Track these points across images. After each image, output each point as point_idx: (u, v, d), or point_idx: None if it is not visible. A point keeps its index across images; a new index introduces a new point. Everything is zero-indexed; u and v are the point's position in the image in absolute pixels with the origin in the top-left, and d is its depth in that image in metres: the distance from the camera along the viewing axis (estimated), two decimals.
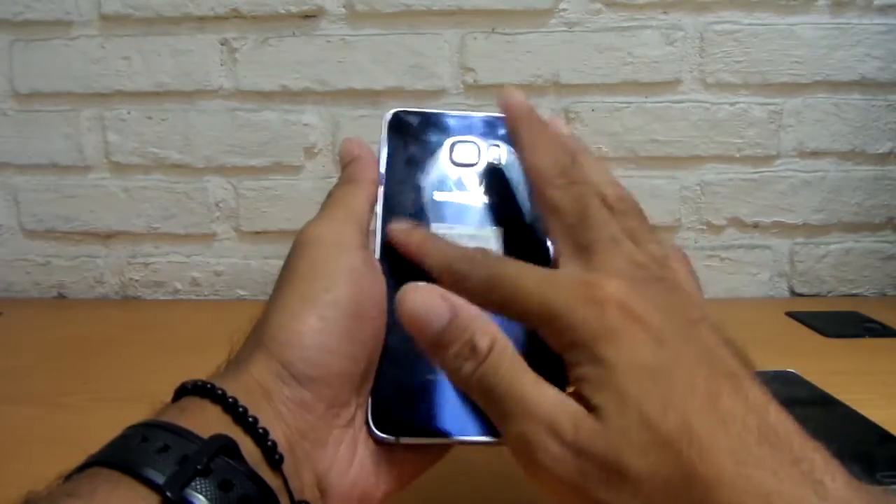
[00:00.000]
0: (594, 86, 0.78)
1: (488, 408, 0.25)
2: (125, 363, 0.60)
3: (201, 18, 0.78)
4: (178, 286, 0.84)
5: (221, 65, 0.79)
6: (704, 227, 0.81)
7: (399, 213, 0.33)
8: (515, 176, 0.35)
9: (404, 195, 0.34)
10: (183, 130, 0.80)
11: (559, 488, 0.23)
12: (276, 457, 0.24)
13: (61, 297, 0.84)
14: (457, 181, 0.35)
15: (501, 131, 0.36)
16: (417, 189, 0.34)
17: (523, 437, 0.23)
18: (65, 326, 0.74)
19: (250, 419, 0.24)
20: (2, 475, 0.40)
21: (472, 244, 0.31)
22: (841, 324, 0.69)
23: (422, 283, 0.26)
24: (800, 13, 0.77)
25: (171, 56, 0.78)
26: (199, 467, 0.21)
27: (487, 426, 0.30)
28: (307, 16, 0.77)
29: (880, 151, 0.79)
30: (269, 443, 0.24)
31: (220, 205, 0.82)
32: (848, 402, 0.48)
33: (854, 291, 0.83)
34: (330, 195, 0.32)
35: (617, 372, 0.22)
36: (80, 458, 0.23)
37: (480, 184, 0.35)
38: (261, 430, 0.24)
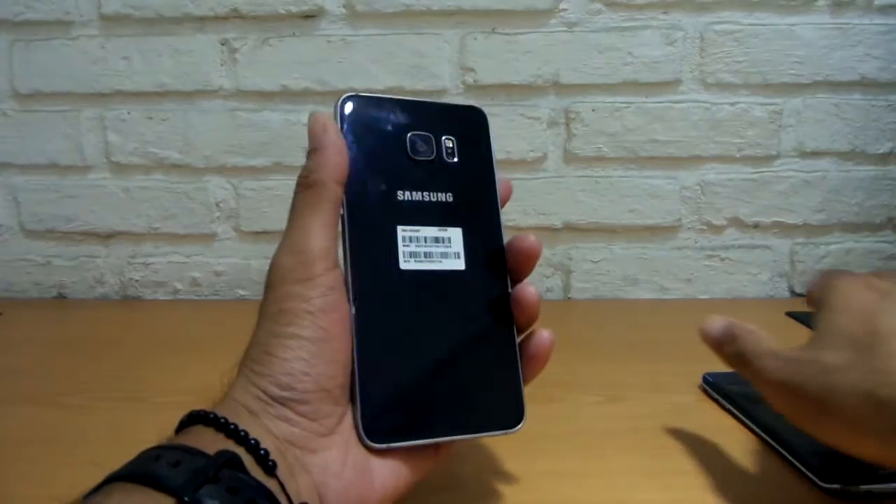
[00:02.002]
0: (594, 86, 0.78)
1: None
2: (125, 363, 0.60)
3: (201, 18, 0.78)
4: (178, 286, 0.84)
5: (221, 65, 0.79)
6: (704, 227, 0.81)
7: (364, 214, 0.32)
8: (468, 169, 0.35)
9: (367, 194, 0.33)
10: (183, 130, 0.80)
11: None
12: (270, 463, 0.26)
13: (61, 297, 0.84)
14: (416, 177, 0.34)
15: (455, 122, 0.36)
16: (378, 187, 0.33)
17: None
18: (65, 326, 0.74)
19: (241, 433, 0.26)
20: (2, 475, 0.40)
21: (437, 247, 0.33)
22: None
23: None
24: (800, 13, 0.77)
25: (171, 56, 0.79)
26: (209, 475, 0.23)
27: (470, 423, 0.31)
28: (307, 16, 0.77)
29: (880, 151, 0.79)
30: (262, 451, 0.26)
31: (221, 205, 0.82)
32: None
33: None
34: (293, 206, 0.31)
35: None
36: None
37: (439, 179, 0.34)
38: (252, 441, 0.26)
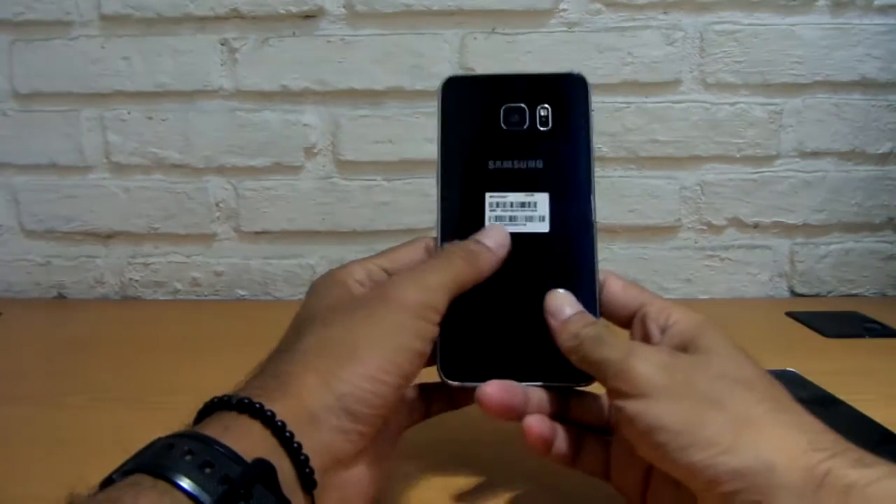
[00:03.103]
0: (594, 86, 0.77)
1: None
2: (125, 363, 0.60)
3: (201, 18, 0.78)
4: (178, 286, 0.84)
5: (221, 65, 0.79)
6: (704, 227, 0.81)
7: (456, 183, 0.36)
8: (562, 137, 0.37)
9: (460, 164, 0.36)
10: (183, 130, 0.80)
11: None
12: (312, 482, 0.26)
13: (61, 297, 0.84)
14: (508, 147, 0.37)
15: (549, 90, 0.38)
16: (471, 158, 0.36)
17: None
18: (65, 326, 0.74)
19: (296, 445, 0.25)
20: (2, 475, 0.40)
21: (523, 211, 0.35)
22: (841, 324, 0.69)
23: None
24: (800, 13, 0.77)
25: (171, 56, 0.78)
26: (242, 491, 0.22)
27: (543, 372, 0.34)
28: (307, 16, 0.77)
29: (880, 151, 0.79)
30: (308, 469, 0.25)
31: (220, 205, 0.82)
32: (848, 402, 0.48)
33: (854, 291, 0.83)
34: (444, 255, 0.34)
35: None
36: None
37: (530, 147, 0.37)
38: (303, 457, 0.25)
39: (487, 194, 0.36)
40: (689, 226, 0.81)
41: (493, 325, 0.34)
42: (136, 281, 0.84)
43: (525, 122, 0.37)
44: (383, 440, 0.31)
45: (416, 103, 0.78)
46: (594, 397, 0.35)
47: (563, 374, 0.33)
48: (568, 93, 0.38)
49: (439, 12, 0.76)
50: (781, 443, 0.24)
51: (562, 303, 0.34)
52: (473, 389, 0.32)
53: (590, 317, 0.33)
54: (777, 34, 0.77)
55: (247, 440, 0.24)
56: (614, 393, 0.28)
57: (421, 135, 0.78)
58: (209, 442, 0.23)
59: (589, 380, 0.33)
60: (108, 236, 0.83)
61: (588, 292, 0.35)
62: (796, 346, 0.64)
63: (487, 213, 0.36)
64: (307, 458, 0.25)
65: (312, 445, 0.26)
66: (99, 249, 0.83)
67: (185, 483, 0.22)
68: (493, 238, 0.35)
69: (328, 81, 0.78)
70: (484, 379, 0.32)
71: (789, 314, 0.73)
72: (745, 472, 0.23)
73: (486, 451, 0.41)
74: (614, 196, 0.80)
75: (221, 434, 0.24)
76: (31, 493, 0.37)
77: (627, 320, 0.35)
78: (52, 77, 0.79)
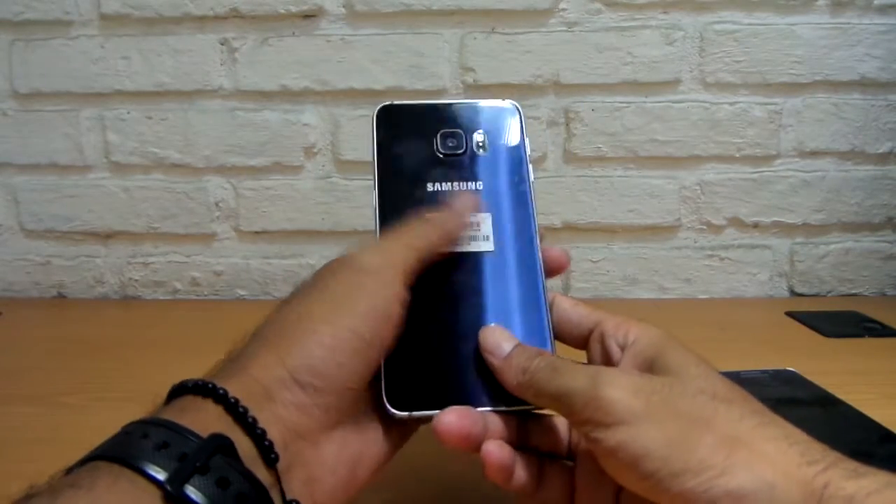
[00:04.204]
0: (594, 86, 0.78)
1: None
2: (125, 363, 0.60)
3: (201, 18, 0.78)
4: (178, 286, 0.84)
5: (221, 65, 0.79)
6: (704, 227, 0.81)
7: (395, 206, 0.35)
8: (499, 160, 0.38)
9: (399, 188, 0.36)
10: (183, 130, 0.80)
11: None
12: (272, 455, 0.25)
13: (61, 296, 0.84)
14: (446, 170, 0.37)
15: (484, 117, 0.38)
16: (410, 182, 0.36)
17: None
18: (65, 326, 0.74)
19: (250, 419, 0.25)
20: (2, 475, 0.40)
21: (466, 231, 0.35)
22: (840, 323, 0.69)
23: None
24: (800, 13, 0.77)
25: (171, 56, 0.78)
26: (198, 464, 0.22)
27: (494, 397, 0.32)
28: (307, 16, 0.77)
29: (880, 151, 0.79)
30: (266, 442, 0.25)
31: (220, 205, 0.82)
32: (848, 402, 0.48)
33: (854, 291, 0.83)
34: (404, 223, 0.33)
35: None
36: (80, 457, 0.24)
37: (469, 170, 0.37)
38: (259, 431, 0.25)
39: (428, 216, 0.35)
40: (689, 225, 0.81)
41: (441, 349, 0.33)
42: (136, 281, 0.84)
43: (462, 147, 0.37)
44: (357, 417, 0.30)
45: None
46: (552, 422, 0.33)
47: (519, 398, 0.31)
48: (502, 120, 0.39)
49: (439, 12, 0.76)
50: (775, 459, 0.23)
51: (498, 338, 0.31)
52: (421, 420, 0.30)
53: (533, 348, 0.31)
54: (777, 34, 0.77)
55: (202, 419, 0.24)
56: (586, 424, 0.26)
57: None
58: (164, 424, 0.24)
59: None
60: (108, 236, 0.83)
61: (538, 309, 0.34)
62: (796, 345, 0.64)
63: None
64: (264, 432, 0.25)
65: (268, 419, 0.25)
66: (98, 249, 0.83)
67: (141, 463, 0.22)
68: (457, 203, 0.35)
69: (328, 81, 0.78)
70: (433, 407, 0.30)
71: (789, 314, 0.73)
72: (745, 493, 0.22)
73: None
74: (614, 196, 0.80)
75: (177, 416, 0.24)
76: None
77: (582, 340, 0.33)
78: (52, 77, 0.79)
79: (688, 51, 0.77)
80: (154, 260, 0.83)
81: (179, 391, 0.27)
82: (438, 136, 0.37)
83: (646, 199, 0.80)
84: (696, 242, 0.82)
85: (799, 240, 0.82)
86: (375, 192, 0.36)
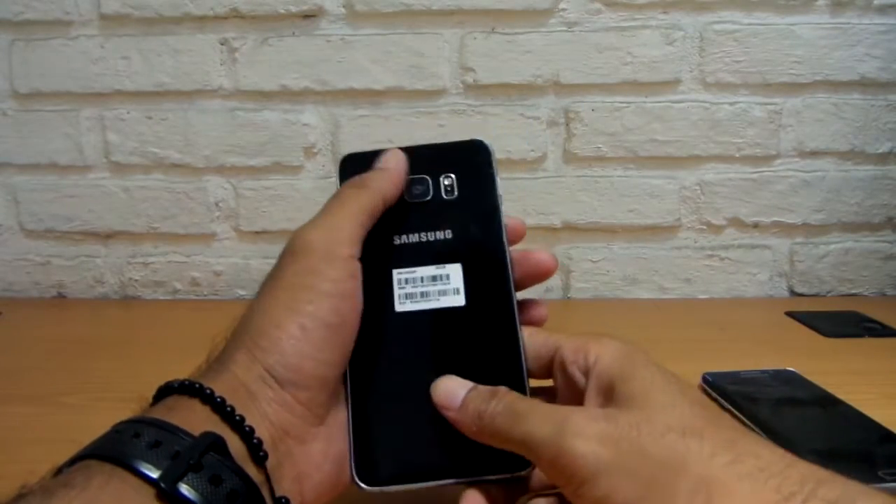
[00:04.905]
0: (594, 86, 0.78)
1: None
2: (125, 363, 0.60)
3: (201, 18, 0.78)
4: (178, 286, 0.84)
5: (221, 65, 0.79)
6: (704, 227, 0.81)
7: (363, 263, 0.32)
8: (468, 204, 0.35)
9: (366, 243, 0.32)
10: (183, 130, 0.80)
11: None
12: (261, 453, 0.25)
13: (61, 296, 0.84)
14: (413, 220, 0.34)
15: (451, 158, 0.36)
16: (375, 235, 0.33)
17: None
18: (65, 326, 0.74)
19: (237, 418, 0.25)
20: (2, 475, 0.40)
21: (435, 285, 0.33)
22: (840, 323, 0.69)
23: None
24: (800, 13, 0.77)
25: (171, 56, 0.78)
26: (191, 462, 0.22)
27: (472, 466, 0.29)
28: (307, 16, 0.77)
29: (880, 151, 0.79)
30: (255, 440, 0.25)
31: (220, 205, 0.82)
32: (847, 402, 0.48)
33: (853, 291, 0.83)
34: (336, 195, 0.32)
35: None
36: (70, 457, 0.24)
37: (436, 218, 0.34)
38: (247, 428, 0.25)
39: (395, 271, 0.33)
40: (689, 225, 0.81)
41: (414, 417, 0.30)
42: (136, 281, 0.84)
43: (429, 193, 0.35)
44: (339, 413, 0.30)
45: (416, 103, 0.78)
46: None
47: (501, 462, 0.29)
48: (471, 159, 0.36)
49: (439, 12, 0.76)
50: (752, 501, 0.22)
51: (450, 388, 0.29)
52: (396, 493, 0.29)
53: (487, 389, 0.29)
54: (776, 34, 0.77)
55: (191, 419, 0.24)
56: (558, 479, 0.25)
57: (421, 135, 0.78)
58: (156, 423, 0.24)
59: (529, 465, 0.29)
60: (108, 236, 0.83)
61: (515, 364, 0.31)
62: (796, 345, 0.64)
63: (396, 292, 0.33)
64: (252, 430, 0.25)
65: (255, 418, 0.26)
66: (98, 249, 0.83)
67: (134, 461, 0.22)
68: (384, 159, 0.34)
69: (328, 81, 0.78)
70: (407, 481, 0.29)
71: (789, 314, 0.73)
72: None
73: None
74: (614, 196, 0.80)
75: (166, 415, 0.25)
76: None
77: (545, 370, 0.32)
78: (52, 77, 0.79)
79: (688, 51, 0.77)
80: (154, 260, 0.83)
81: (166, 391, 0.27)
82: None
83: (646, 199, 0.80)
84: (696, 242, 0.82)
85: (799, 240, 0.82)
86: None
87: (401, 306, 0.33)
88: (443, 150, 0.36)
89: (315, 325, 0.28)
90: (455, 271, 0.33)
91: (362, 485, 0.29)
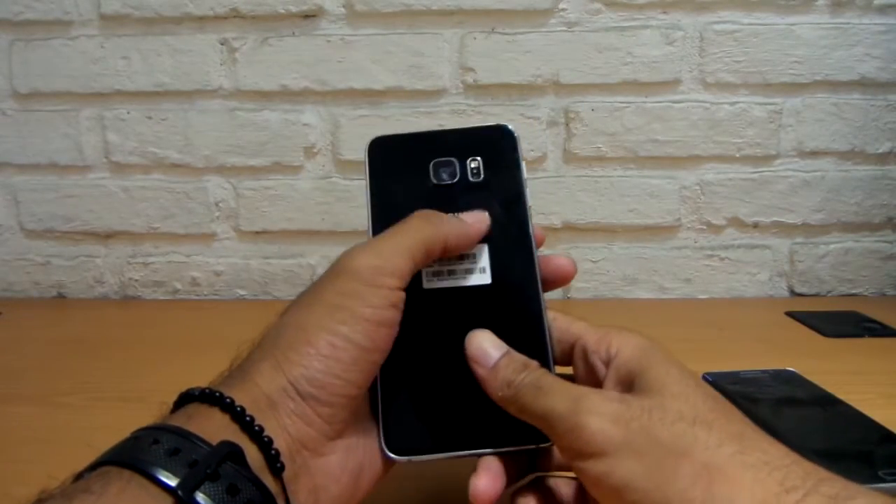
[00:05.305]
0: (594, 86, 0.78)
1: None
2: (125, 363, 0.60)
3: (201, 18, 0.78)
4: (178, 286, 0.84)
5: (221, 65, 0.79)
6: (704, 227, 0.81)
7: None
8: (494, 187, 0.36)
9: (392, 224, 0.33)
10: (183, 130, 0.80)
11: None
12: (279, 465, 0.25)
13: (61, 296, 0.84)
14: (440, 201, 0.35)
15: (478, 143, 0.37)
16: (403, 216, 0.33)
17: None
18: (65, 326, 0.74)
19: (257, 428, 0.25)
20: (2, 475, 0.40)
21: (462, 264, 0.33)
22: (840, 323, 0.69)
23: None
24: (800, 13, 0.77)
25: (171, 56, 0.78)
26: (208, 471, 0.22)
27: (496, 437, 0.31)
28: (307, 16, 0.77)
29: (880, 151, 0.79)
30: (273, 451, 0.25)
31: (220, 205, 0.82)
32: (848, 402, 0.48)
33: (853, 291, 0.83)
34: (404, 222, 0.32)
35: None
36: (79, 457, 0.24)
37: (463, 200, 0.35)
38: (266, 439, 0.25)
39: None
40: (689, 225, 0.81)
41: (440, 390, 0.32)
42: (136, 280, 0.84)
43: (456, 176, 0.36)
44: (359, 426, 0.30)
45: (416, 103, 0.78)
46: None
47: (523, 434, 0.30)
48: (497, 144, 0.37)
49: (439, 12, 0.76)
50: (753, 489, 0.23)
51: (485, 345, 0.30)
52: (423, 463, 0.30)
53: (520, 359, 0.30)
54: (776, 34, 0.77)
55: (210, 427, 0.24)
56: (568, 451, 0.26)
57: None
58: (175, 431, 0.24)
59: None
60: (108, 236, 0.83)
61: (539, 343, 0.32)
62: (796, 345, 0.64)
63: (424, 270, 0.33)
64: (271, 440, 0.25)
65: (274, 429, 0.26)
66: (98, 249, 0.83)
67: (153, 468, 0.22)
68: (471, 214, 0.34)
69: (328, 81, 0.78)
70: (434, 451, 0.30)
71: (789, 314, 0.73)
72: None
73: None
74: (614, 196, 0.80)
75: (185, 423, 0.25)
76: (30, 493, 0.37)
77: (565, 356, 0.33)
78: (52, 77, 0.79)
79: (688, 51, 0.77)
80: (154, 260, 0.83)
81: (186, 399, 0.27)
82: (431, 166, 0.36)
83: (646, 199, 0.80)
84: (696, 242, 0.82)
85: (799, 240, 0.82)
86: (370, 228, 0.35)
87: (428, 283, 0.34)
88: (469, 135, 0.37)
89: (346, 346, 0.28)
90: (481, 251, 0.34)
91: (391, 454, 0.30)
